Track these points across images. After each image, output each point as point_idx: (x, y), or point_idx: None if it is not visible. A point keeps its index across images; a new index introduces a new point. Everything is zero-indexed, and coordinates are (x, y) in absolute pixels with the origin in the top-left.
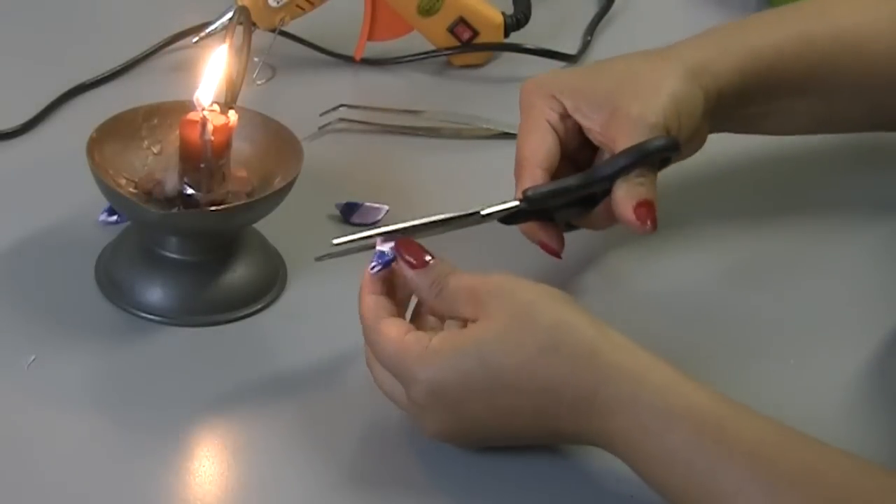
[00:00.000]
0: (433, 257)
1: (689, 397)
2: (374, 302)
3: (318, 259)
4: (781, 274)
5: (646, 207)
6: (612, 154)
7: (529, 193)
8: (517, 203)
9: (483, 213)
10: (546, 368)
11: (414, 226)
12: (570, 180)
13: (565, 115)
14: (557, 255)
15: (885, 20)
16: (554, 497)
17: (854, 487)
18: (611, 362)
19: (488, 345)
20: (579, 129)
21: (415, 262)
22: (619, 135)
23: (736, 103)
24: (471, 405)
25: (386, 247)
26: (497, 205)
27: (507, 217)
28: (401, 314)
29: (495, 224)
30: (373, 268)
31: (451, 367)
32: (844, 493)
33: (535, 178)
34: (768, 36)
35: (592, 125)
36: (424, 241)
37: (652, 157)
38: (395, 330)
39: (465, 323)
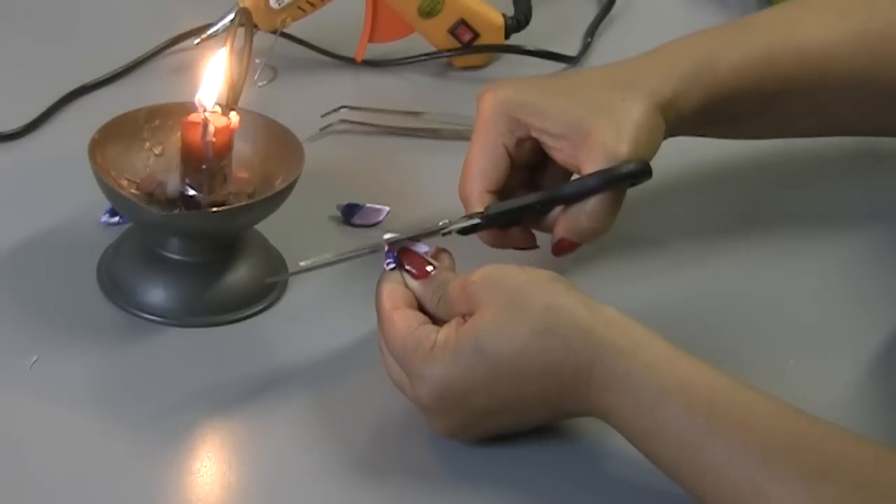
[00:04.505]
0: (435, 266)
1: (681, 374)
2: (392, 291)
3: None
4: (780, 274)
5: (567, 246)
6: (577, 173)
7: (491, 211)
8: (478, 221)
9: (444, 232)
10: (542, 351)
11: (378, 244)
12: (533, 198)
13: (524, 139)
14: (532, 247)
15: (849, 38)
16: (562, 480)
17: (846, 456)
18: (604, 339)
19: (484, 335)
20: (537, 148)
21: (416, 272)
22: (589, 160)
23: (692, 127)
24: (475, 398)
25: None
26: (458, 221)
27: (466, 228)
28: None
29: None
30: (388, 264)
31: (453, 363)
32: (836, 462)
33: (484, 201)
34: (734, 59)
35: (560, 147)
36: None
37: (622, 181)
38: (406, 322)
39: (464, 319)
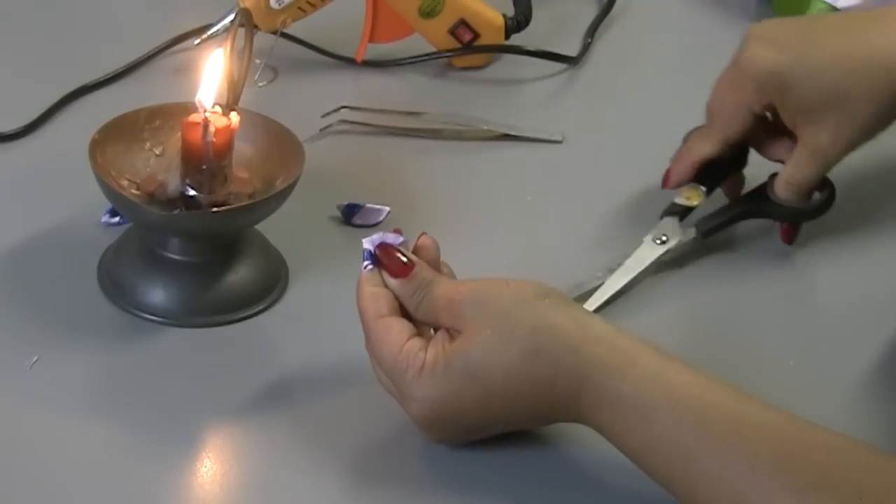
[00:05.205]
0: (414, 264)
1: (670, 388)
2: (374, 295)
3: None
4: (780, 272)
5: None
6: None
7: (703, 228)
8: (693, 237)
9: (664, 251)
10: (531, 373)
11: (617, 292)
12: (736, 210)
13: (769, 106)
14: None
15: None
16: (553, 488)
17: (838, 467)
18: (592, 358)
19: (474, 359)
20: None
21: (395, 270)
22: (802, 145)
23: None
24: (467, 416)
25: (371, 245)
26: (677, 245)
27: (708, 230)
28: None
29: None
30: (365, 266)
31: (444, 387)
32: (827, 474)
33: (715, 145)
34: None
35: (787, 120)
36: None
37: (809, 216)
38: (394, 335)
39: (449, 334)
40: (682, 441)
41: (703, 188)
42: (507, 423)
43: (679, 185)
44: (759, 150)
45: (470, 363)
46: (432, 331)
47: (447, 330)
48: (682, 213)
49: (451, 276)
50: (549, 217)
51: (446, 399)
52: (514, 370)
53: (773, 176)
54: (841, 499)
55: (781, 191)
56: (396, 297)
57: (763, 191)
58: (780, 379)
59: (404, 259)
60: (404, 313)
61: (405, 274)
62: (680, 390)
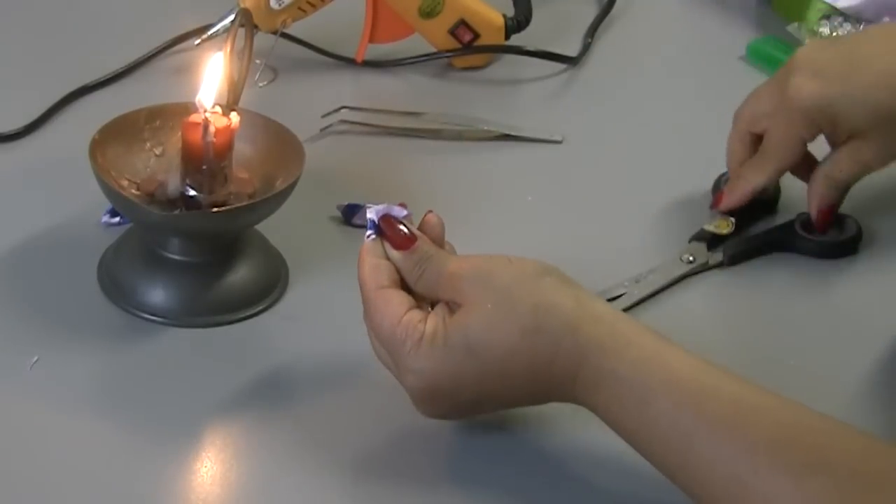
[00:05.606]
0: (416, 237)
1: (668, 370)
2: (375, 267)
3: None
4: (781, 271)
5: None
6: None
7: (730, 253)
8: (720, 261)
9: (689, 270)
10: (530, 352)
11: (637, 301)
12: (764, 242)
13: (818, 133)
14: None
15: None
16: (558, 487)
17: (834, 449)
18: (590, 338)
19: (474, 336)
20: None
21: (398, 242)
22: (847, 153)
23: None
24: (464, 393)
25: (375, 215)
26: (703, 266)
27: (734, 257)
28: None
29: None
30: (368, 235)
31: (442, 361)
32: (823, 456)
33: (770, 175)
34: None
35: (834, 141)
36: None
37: (838, 252)
38: (393, 307)
39: (449, 307)
40: (679, 423)
41: (733, 219)
42: (504, 401)
43: (730, 209)
44: (797, 173)
45: (469, 337)
46: (430, 307)
47: (447, 303)
48: (710, 239)
49: (454, 254)
50: (549, 217)
51: (443, 374)
52: (514, 347)
53: (801, 214)
54: (836, 480)
55: (819, 182)
56: (397, 270)
57: (791, 226)
58: (778, 381)
59: (407, 232)
60: (404, 286)
61: (407, 246)
62: (677, 373)
